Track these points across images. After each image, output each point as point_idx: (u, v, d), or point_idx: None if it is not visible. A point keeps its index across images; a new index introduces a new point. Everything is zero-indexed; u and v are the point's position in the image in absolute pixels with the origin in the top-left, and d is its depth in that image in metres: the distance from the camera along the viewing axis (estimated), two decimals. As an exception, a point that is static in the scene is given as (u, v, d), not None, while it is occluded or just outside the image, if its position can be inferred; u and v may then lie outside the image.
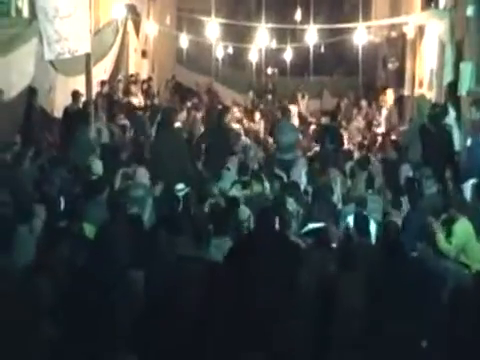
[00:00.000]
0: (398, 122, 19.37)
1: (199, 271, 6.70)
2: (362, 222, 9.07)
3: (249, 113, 21.83)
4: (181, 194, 10.41)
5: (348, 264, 7.36)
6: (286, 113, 16.52)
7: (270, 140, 18.38)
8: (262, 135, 19.63)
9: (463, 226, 8.72)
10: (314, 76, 32.03)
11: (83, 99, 14.68)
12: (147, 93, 21.56)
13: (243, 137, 18.04)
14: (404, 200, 10.57)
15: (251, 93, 26.92)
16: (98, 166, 10.88)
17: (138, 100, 18.98)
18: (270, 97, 26.20)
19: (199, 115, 18.77)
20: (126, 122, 16.53)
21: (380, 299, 6.98)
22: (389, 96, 18.79)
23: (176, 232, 7.94)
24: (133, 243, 7.35)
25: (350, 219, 9.73)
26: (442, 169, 11.47)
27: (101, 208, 8.78)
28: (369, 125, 19.72)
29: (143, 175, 10.82)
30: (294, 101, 25.27)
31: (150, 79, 23.70)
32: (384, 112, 18.86)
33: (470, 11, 14.46)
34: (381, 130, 19.27)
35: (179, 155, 12.05)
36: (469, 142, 12.14)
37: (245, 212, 9.89)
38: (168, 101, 21.19)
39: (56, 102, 15.28)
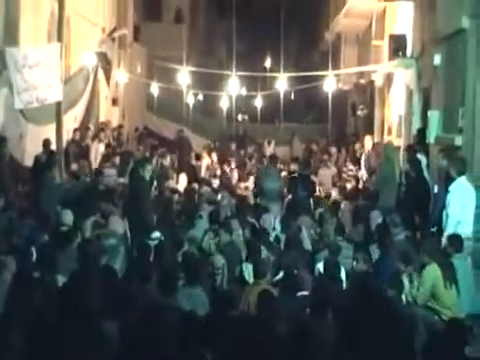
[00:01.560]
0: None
1: (173, 321, 6.65)
2: (333, 269, 9.09)
3: (224, 160, 21.83)
4: (154, 243, 10.37)
5: (319, 311, 7.36)
6: (273, 160, 16.65)
7: (242, 185, 18.44)
8: (235, 181, 19.65)
9: (431, 272, 8.78)
10: (284, 123, 32.34)
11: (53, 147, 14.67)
12: (118, 140, 21.60)
13: (215, 183, 18.13)
14: (373, 247, 10.63)
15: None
16: (68, 216, 10.80)
17: (104, 147, 18.96)
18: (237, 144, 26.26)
19: (167, 162, 18.76)
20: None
21: (352, 345, 6.96)
22: (367, 141, 19.07)
23: (146, 281, 7.91)
24: (105, 293, 7.28)
25: (320, 265, 9.75)
26: (413, 215, 11.57)
27: (71, 258, 8.71)
28: (339, 172, 19.86)
29: (116, 222, 10.76)
30: (261, 148, 25.45)
31: (121, 126, 23.77)
32: (363, 157, 19.10)
33: (437, 60, 14.71)
34: (352, 174, 19.42)
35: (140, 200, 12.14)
36: (436, 189, 12.29)
37: (220, 260, 9.86)
38: (136, 149, 21.21)
39: (27, 150, 15.22)
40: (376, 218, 12.20)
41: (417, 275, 8.97)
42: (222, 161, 21.68)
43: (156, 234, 10.79)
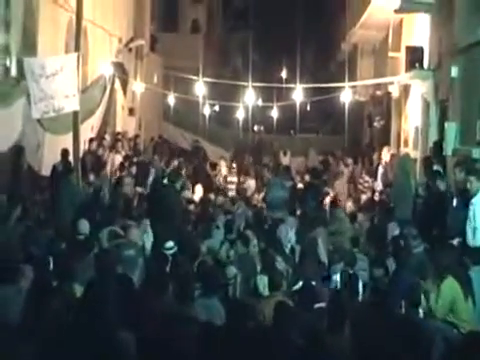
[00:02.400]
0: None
1: (191, 332, 6.64)
2: (350, 281, 9.06)
3: (240, 171, 21.85)
4: (170, 252, 10.39)
5: (336, 324, 7.32)
6: (284, 170, 16.68)
7: (257, 196, 18.42)
8: (251, 192, 19.65)
9: (449, 285, 8.72)
10: (300, 134, 32.34)
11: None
12: (134, 150, 21.67)
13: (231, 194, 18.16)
14: (390, 260, 10.58)
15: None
16: (85, 225, 10.83)
17: (121, 157, 19.04)
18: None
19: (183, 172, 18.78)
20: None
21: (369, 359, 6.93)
22: (385, 153, 19.06)
23: (163, 291, 7.91)
24: (122, 304, 7.29)
25: (337, 277, 9.73)
26: (430, 228, 11.52)
27: (89, 267, 8.73)
28: (355, 184, 19.83)
29: (135, 234, 10.76)
30: (276, 158, 25.43)
31: (137, 137, 23.86)
32: (380, 169, 19.08)
33: (454, 72, 14.68)
34: (368, 185, 19.38)
35: (172, 213, 12.22)
36: (455, 202, 12.22)
37: (232, 271, 9.86)
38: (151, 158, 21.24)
39: (44, 160, 15.30)
40: (393, 230, 12.17)
41: (434, 287, 8.91)
42: (239, 171, 21.72)
43: (170, 244, 10.80)
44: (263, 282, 9.30)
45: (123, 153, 19.65)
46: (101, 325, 6.47)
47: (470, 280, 9.09)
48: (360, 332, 7.26)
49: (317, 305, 8.55)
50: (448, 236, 10.98)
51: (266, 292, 8.97)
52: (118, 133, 22.28)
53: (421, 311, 8.64)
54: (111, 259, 8.92)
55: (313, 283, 9.35)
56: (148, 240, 11.38)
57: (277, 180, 16.00)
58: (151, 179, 15.28)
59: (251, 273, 10.06)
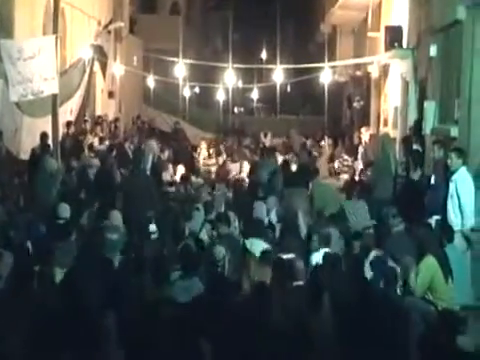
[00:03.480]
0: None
1: (172, 314, 6.69)
2: (332, 260, 9.08)
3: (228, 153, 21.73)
4: (153, 236, 10.40)
5: (315, 302, 7.40)
6: (270, 152, 16.69)
7: (237, 177, 18.37)
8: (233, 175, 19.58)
9: (428, 264, 8.77)
10: (281, 115, 32.33)
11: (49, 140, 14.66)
12: (114, 134, 21.53)
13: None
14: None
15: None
16: (65, 209, 10.78)
17: (98, 140, 18.88)
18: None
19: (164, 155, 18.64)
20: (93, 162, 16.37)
21: (350, 337, 7.00)
22: (364, 133, 19.11)
23: (141, 273, 7.95)
24: (104, 286, 7.30)
25: (317, 256, 9.74)
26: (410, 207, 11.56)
27: (69, 252, 8.72)
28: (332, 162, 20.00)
29: (116, 218, 10.73)
30: (257, 140, 25.35)
31: (117, 120, 23.72)
32: (360, 149, 19.14)
33: (433, 51, 14.70)
34: (347, 164, 19.49)
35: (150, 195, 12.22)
36: (433, 180, 12.29)
37: (220, 251, 9.87)
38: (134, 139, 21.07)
39: (23, 144, 15.21)
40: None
41: (413, 266, 8.96)
42: (218, 153, 21.66)
43: (153, 227, 10.79)
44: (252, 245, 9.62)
45: (101, 135, 19.53)
46: (83, 307, 6.49)
47: (448, 258, 9.16)
48: (340, 310, 7.33)
49: (295, 283, 8.57)
50: (427, 213, 11.07)
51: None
52: (99, 117, 22.17)
53: (398, 289, 8.69)
54: (99, 239, 8.92)
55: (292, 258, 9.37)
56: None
57: (268, 162, 15.92)
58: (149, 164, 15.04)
59: (237, 253, 10.08)
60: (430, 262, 8.77)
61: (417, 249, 9.09)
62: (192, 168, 18.64)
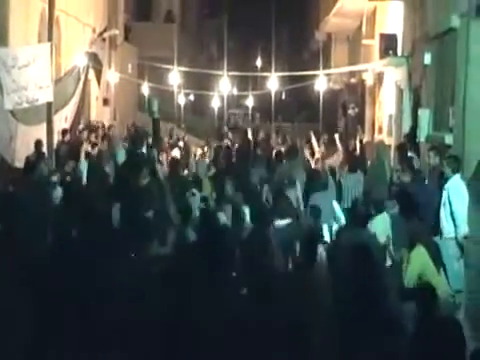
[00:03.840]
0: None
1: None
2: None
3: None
4: None
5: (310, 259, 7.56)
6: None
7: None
8: None
9: (418, 254, 8.79)
10: (276, 122, 32.32)
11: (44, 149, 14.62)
12: (108, 140, 21.42)
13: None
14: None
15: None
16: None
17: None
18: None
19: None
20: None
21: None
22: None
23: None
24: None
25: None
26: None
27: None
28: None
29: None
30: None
31: (111, 127, 23.65)
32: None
33: (427, 59, 14.74)
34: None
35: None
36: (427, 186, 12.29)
37: (222, 217, 10.13)
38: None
39: (17, 152, 15.16)
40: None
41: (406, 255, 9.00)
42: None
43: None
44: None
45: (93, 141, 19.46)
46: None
47: (439, 249, 9.25)
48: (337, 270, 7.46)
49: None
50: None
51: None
52: (95, 123, 22.07)
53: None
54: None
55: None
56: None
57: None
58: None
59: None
60: (420, 252, 8.77)
61: (409, 241, 9.12)
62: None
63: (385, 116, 20.50)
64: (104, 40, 24.71)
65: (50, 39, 14.68)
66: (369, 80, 22.48)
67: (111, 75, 25.65)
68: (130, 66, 30.18)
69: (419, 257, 8.74)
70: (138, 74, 31.16)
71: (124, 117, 28.34)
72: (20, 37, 16.31)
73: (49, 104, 14.41)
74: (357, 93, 25.73)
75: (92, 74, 22.15)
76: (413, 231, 9.17)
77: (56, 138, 16.20)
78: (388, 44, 18.06)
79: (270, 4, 38.66)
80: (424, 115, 14.61)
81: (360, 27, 23.88)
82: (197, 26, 45.14)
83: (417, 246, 8.82)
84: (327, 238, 10.72)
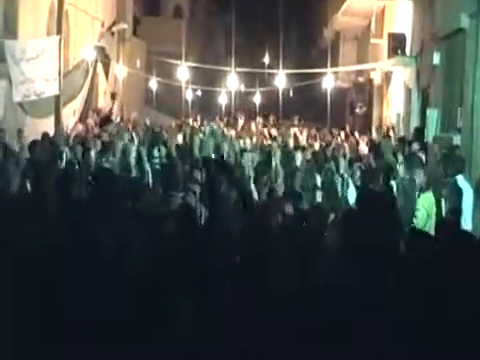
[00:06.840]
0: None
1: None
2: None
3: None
4: None
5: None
6: None
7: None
8: None
9: (426, 199, 8.75)
10: (283, 120, 32.24)
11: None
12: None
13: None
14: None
15: None
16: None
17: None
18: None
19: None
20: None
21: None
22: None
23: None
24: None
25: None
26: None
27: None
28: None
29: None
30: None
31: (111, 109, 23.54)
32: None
33: (436, 59, 14.71)
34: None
35: None
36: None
37: None
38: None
39: (25, 144, 15.16)
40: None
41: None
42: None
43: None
44: None
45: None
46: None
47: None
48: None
49: None
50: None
51: None
52: (105, 111, 22.05)
53: None
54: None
55: None
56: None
57: None
58: None
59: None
60: (428, 198, 8.73)
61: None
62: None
63: (393, 115, 20.47)
64: (113, 34, 24.74)
65: (59, 32, 14.73)
66: (377, 79, 22.45)
67: (119, 69, 25.66)
68: (138, 60, 30.20)
69: (426, 203, 8.71)
70: (146, 69, 31.18)
71: (132, 111, 28.33)
72: (29, 30, 16.33)
73: (57, 97, 14.43)
74: (365, 92, 25.70)
75: (100, 68, 22.17)
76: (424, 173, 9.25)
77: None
78: (397, 43, 18.03)
79: (278, 1, 38.59)
80: (432, 115, 14.60)
81: (369, 26, 23.84)
82: (205, 22, 45.11)
83: (426, 192, 8.80)
84: None
